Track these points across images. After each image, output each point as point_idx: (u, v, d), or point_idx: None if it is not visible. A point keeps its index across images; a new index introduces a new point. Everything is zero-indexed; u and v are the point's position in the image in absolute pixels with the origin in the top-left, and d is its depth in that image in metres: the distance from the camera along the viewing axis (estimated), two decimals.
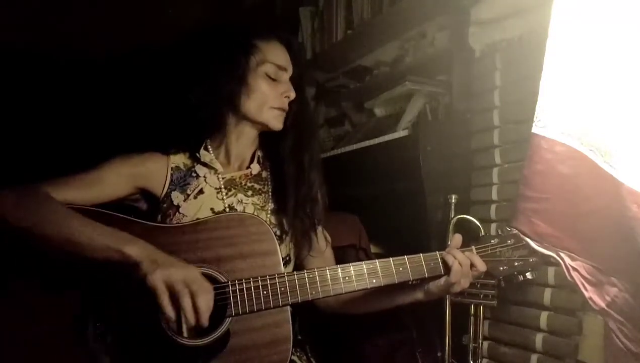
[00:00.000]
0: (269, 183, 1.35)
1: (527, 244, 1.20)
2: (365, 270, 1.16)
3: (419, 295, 1.23)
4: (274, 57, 1.28)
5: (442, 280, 1.18)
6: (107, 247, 1.01)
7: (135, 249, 1.01)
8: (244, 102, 1.27)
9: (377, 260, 1.17)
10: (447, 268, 1.17)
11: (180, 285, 0.99)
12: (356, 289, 1.16)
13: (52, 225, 1.03)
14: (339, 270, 1.16)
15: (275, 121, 1.30)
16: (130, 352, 1.08)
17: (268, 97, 1.28)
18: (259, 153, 1.37)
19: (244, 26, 1.32)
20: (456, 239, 1.23)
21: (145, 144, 1.31)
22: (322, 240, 1.37)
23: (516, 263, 1.23)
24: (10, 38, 2.61)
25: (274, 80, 1.28)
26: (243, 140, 1.34)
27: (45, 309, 1.06)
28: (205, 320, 1.01)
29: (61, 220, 1.04)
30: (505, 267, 1.23)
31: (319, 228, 1.36)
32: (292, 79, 1.32)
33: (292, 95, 1.30)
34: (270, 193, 1.34)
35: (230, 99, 1.26)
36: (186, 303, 0.98)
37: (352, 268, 1.16)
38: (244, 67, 1.25)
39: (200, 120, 1.28)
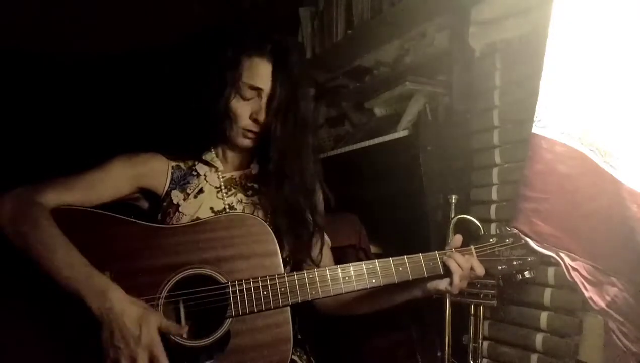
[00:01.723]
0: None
1: (527, 244, 1.20)
2: (364, 270, 1.16)
3: (416, 292, 1.24)
4: (249, 77, 1.24)
5: (443, 284, 1.19)
6: (77, 293, 1.01)
7: (98, 306, 1.00)
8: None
9: (376, 260, 1.17)
10: (447, 270, 1.18)
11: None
12: (356, 289, 1.16)
13: (36, 253, 1.04)
14: (339, 270, 1.16)
15: (242, 140, 1.28)
16: None
17: (238, 117, 1.25)
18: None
19: (237, 35, 1.29)
20: (456, 240, 1.24)
21: (146, 145, 1.31)
22: (320, 242, 1.36)
23: (515, 263, 1.24)
24: (12, 38, 2.61)
25: (247, 99, 1.25)
26: None
27: (45, 313, 1.06)
28: None
29: (46, 252, 1.04)
30: (504, 266, 1.24)
31: (318, 232, 1.35)
32: (278, 96, 1.25)
33: (260, 118, 1.25)
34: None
35: (226, 111, 1.25)
36: None
37: (351, 268, 1.16)
38: (227, 83, 1.24)
39: (203, 129, 1.29)
